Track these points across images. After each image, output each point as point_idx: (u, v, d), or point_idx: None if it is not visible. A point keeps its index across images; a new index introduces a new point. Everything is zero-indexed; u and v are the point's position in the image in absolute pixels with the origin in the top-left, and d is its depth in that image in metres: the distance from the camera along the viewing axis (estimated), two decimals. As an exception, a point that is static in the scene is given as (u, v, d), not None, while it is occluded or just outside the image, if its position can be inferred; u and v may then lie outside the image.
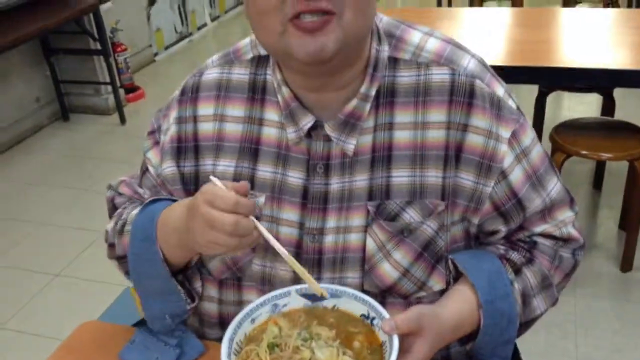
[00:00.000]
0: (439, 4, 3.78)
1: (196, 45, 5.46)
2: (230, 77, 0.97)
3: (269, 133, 0.95)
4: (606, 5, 3.86)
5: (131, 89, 4.28)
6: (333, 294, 0.86)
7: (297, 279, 0.91)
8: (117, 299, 2.40)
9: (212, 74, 0.99)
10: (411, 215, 0.91)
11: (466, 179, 0.90)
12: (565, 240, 1.00)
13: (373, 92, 0.90)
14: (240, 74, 0.97)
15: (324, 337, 0.80)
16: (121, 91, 4.07)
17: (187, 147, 0.99)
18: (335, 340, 0.80)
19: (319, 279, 0.93)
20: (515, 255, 0.98)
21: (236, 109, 0.96)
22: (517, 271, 0.96)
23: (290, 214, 0.94)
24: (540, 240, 0.99)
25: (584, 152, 2.29)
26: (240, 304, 1.01)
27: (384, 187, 0.91)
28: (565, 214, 1.00)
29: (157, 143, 1.03)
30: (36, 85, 3.94)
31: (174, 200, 0.96)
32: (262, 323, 0.85)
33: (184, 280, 1.00)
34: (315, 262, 0.94)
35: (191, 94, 0.99)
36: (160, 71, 4.87)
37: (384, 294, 0.94)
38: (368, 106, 0.90)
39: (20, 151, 3.72)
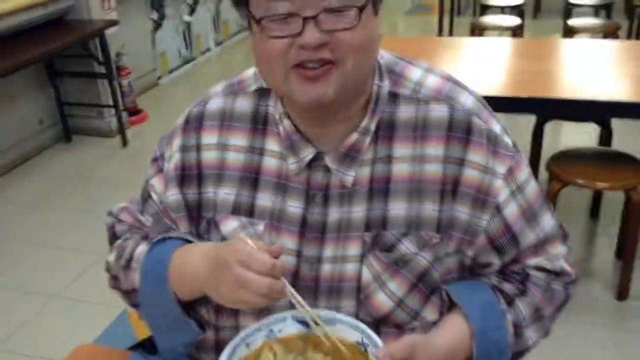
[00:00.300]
0: (440, 34, 3.83)
1: (200, 69, 5.53)
2: (233, 108, 1.00)
3: (270, 163, 0.97)
4: (606, 37, 3.92)
5: (134, 111, 4.32)
6: (329, 322, 0.88)
7: (293, 307, 0.93)
8: (114, 321, 2.41)
9: (216, 104, 1.01)
10: (407, 246, 0.93)
11: (462, 212, 0.92)
12: (558, 273, 1.02)
13: (373, 127, 0.93)
14: (244, 105, 1.00)
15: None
16: (124, 114, 4.11)
17: (190, 175, 1.01)
18: None
19: (314, 307, 0.94)
20: (508, 287, 0.99)
21: (239, 139, 0.99)
22: (510, 302, 0.97)
23: (288, 242, 0.96)
24: (532, 272, 1.01)
25: (580, 181, 2.30)
26: (237, 330, 1.01)
27: (381, 218, 0.93)
28: (558, 249, 1.02)
29: (160, 170, 1.05)
30: (40, 107, 3.98)
31: (185, 240, 0.98)
32: (257, 348, 0.87)
33: (190, 309, 1.01)
34: (312, 290, 0.95)
35: (195, 123, 1.01)
36: (164, 94, 4.92)
37: (378, 324, 0.96)
38: (368, 139, 0.93)
39: (22, 172, 3.75)
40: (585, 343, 2.21)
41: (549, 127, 2.94)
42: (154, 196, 1.05)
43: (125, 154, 3.94)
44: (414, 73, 0.97)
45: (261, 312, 0.98)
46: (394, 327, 0.96)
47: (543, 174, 2.56)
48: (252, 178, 0.97)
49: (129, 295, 1.04)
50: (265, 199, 0.97)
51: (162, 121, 4.25)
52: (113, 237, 1.11)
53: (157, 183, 1.05)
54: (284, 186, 0.96)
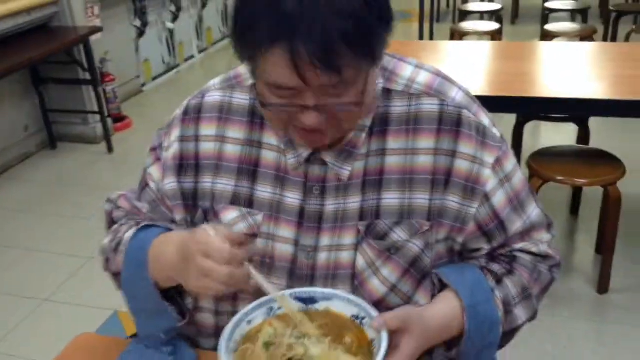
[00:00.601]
0: (421, 38, 3.90)
1: (183, 77, 5.55)
2: (231, 101, 1.03)
3: (268, 156, 1.00)
4: (582, 40, 4.02)
5: (119, 118, 4.34)
6: (325, 297, 0.92)
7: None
8: (106, 322, 2.43)
9: (214, 97, 1.05)
10: (399, 234, 0.97)
11: (453, 201, 0.97)
12: (543, 257, 1.06)
13: (369, 123, 0.97)
14: (241, 99, 1.03)
15: (317, 335, 0.86)
16: (109, 120, 4.13)
17: (188, 165, 1.04)
18: (327, 337, 0.85)
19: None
20: (496, 267, 1.03)
21: (236, 132, 1.02)
22: (498, 281, 1.01)
23: (286, 231, 1.00)
24: (519, 254, 1.05)
25: (559, 177, 2.37)
26: (235, 315, 1.06)
27: (375, 208, 0.97)
28: (543, 236, 1.06)
29: (158, 159, 1.08)
30: (25, 114, 3.99)
31: (166, 229, 1.01)
32: (257, 325, 0.90)
33: (176, 295, 1.04)
34: (309, 277, 0.99)
35: (194, 114, 1.05)
36: (147, 101, 4.94)
37: (374, 307, 1.00)
38: (364, 135, 0.97)
39: (7, 179, 3.75)
40: (569, 334, 2.28)
41: (528, 127, 3.02)
42: (152, 184, 1.09)
43: (110, 159, 3.95)
44: (406, 70, 1.01)
45: (259, 298, 1.01)
46: (387, 311, 1.01)
47: (523, 171, 2.62)
48: (251, 170, 1.01)
49: (117, 277, 1.07)
50: (264, 191, 1.00)
51: (146, 127, 4.27)
52: (111, 222, 1.14)
53: (154, 172, 1.08)
54: (283, 179, 1.00)
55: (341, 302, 0.92)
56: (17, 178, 3.76)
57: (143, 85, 5.11)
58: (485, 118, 1.00)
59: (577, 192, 3.01)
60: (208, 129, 1.04)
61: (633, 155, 3.17)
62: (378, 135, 0.98)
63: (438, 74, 1.02)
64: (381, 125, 0.98)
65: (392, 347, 0.85)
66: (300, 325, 0.89)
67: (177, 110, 1.09)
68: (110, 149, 4.01)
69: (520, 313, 1.03)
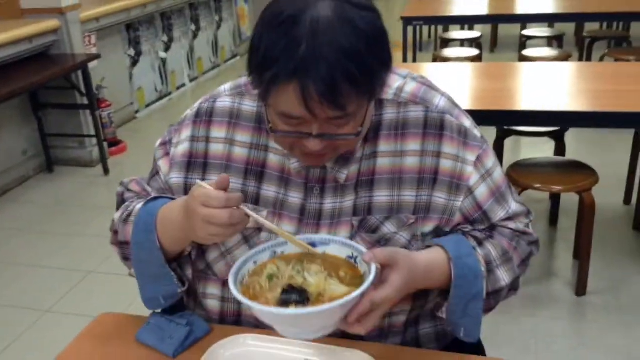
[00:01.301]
0: (405, 60, 4.09)
1: (175, 104, 5.71)
2: (240, 107, 1.14)
3: (274, 159, 1.12)
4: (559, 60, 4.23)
5: (114, 142, 4.46)
6: (323, 243, 1.02)
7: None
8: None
9: (225, 102, 1.16)
10: (388, 227, 1.09)
11: (440, 197, 1.09)
12: (521, 232, 1.16)
13: (365, 131, 1.06)
14: (250, 106, 1.14)
15: (314, 269, 0.96)
16: (105, 144, 4.24)
17: (196, 163, 1.15)
18: (324, 271, 0.96)
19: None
20: (476, 233, 1.13)
21: (245, 136, 1.13)
22: (479, 243, 1.10)
23: (288, 226, 1.11)
24: (499, 225, 1.14)
25: (537, 185, 2.52)
26: (240, 303, 1.15)
27: (367, 205, 1.09)
28: (523, 221, 1.17)
29: (167, 154, 1.18)
30: (24, 138, 4.10)
31: (171, 198, 1.12)
32: (262, 264, 1.00)
33: (177, 267, 1.14)
34: None
35: (205, 117, 1.16)
36: (141, 127, 5.08)
37: None
38: (360, 142, 1.08)
39: (7, 200, 3.85)
40: (550, 334, 2.40)
41: (508, 143, 3.18)
42: (161, 174, 1.20)
43: (106, 181, 4.06)
44: (396, 81, 1.12)
45: None
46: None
47: (504, 182, 2.78)
48: (258, 171, 1.12)
49: (123, 246, 1.16)
50: (269, 190, 1.12)
51: (140, 152, 4.40)
52: (121, 202, 1.23)
53: (163, 164, 1.18)
54: (287, 180, 1.11)
55: (337, 246, 1.01)
56: (16, 200, 3.86)
57: (137, 111, 5.25)
58: (466, 120, 1.12)
59: (555, 204, 3.17)
60: (218, 132, 1.14)
61: (606, 166, 3.35)
62: (371, 141, 1.09)
63: (424, 83, 1.15)
64: (374, 132, 1.09)
65: (381, 281, 0.93)
66: (301, 259, 0.99)
67: (188, 110, 1.20)
68: (106, 171, 4.12)
69: (502, 275, 1.10)
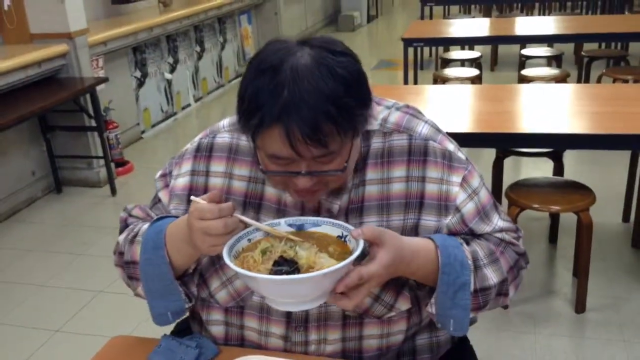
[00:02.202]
0: (406, 82, 4.16)
1: (181, 124, 5.79)
2: (239, 143, 1.20)
3: (271, 191, 1.17)
4: (557, 83, 4.30)
5: (121, 163, 4.54)
6: (315, 224, 1.09)
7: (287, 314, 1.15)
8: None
9: (224, 138, 1.22)
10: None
11: (430, 220, 1.14)
12: (508, 242, 1.19)
13: (352, 166, 1.10)
14: (247, 141, 1.18)
15: (306, 245, 1.03)
16: (112, 165, 4.31)
17: (197, 195, 1.17)
18: (314, 247, 1.02)
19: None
20: (464, 236, 1.16)
21: (243, 170, 1.19)
22: (467, 242, 1.13)
23: None
24: (487, 233, 1.18)
25: (535, 205, 2.58)
26: (242, 328, 1.22)
27: None
28: (510, 234, 1.21)
29: (167, 185, 1.24)
30: (32, 159, 4.18)
31: (177, 217, 1.18)
32: (256, 241, 1.06)
33: (182, 285, 1.18)
34: None
35: (206, 152, 1.22)
36: (147, 147, 5.15)
37: (362, 316, 1.17)
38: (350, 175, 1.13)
39: (16, 221, 3.91)
40: (550, 350, 2.44)
41: (508, 163, 3.24)
42: (161, 204, 1.26)
43: (113, 202, 4.13)
44: (381, 112, 1.18)
45: (262, 313, 1.18)
46: (374, 318, 1.17)
47: (503, 202, 2.84)
48: (256, 203, 1.18)
49: (128, 266, 1.20)
50: (267, 221, 1.16)
51: (147, 172, 4.48)
52: (125, 227, 1.27)
53: (163, 196, 1.24)
54: (283, 211, 1.16)
55: (328, 226, 1.07)
56: (25, 220, 3.93)
57: (143, 132, 5.33)
58: (449, 144, 1.17)
59: (554, 222, 3.22)
60: (218, 166, 1.20)
61: (604, 184, 3.42)
62: (360, 170, 1.14)
63: (407, 112, 1.21)
64: (362, 161, 1.14)
65: (369, 258, 0.99)
66: (293, 238, 1.06)
67: (188, 145, 1.26)
68: (113, 191, 4.20)
69: (489, 273, 1.12)
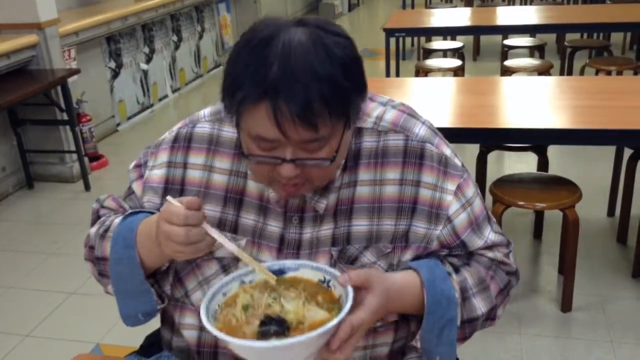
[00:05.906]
0: (388, 75, 4.09)
1: (157, 116, 5.67)
2: (220, 134, 1.12)
3: (253, 187, 1.10)
4: (540, 74, 4.25)
5: (95, 157, 4.42)
6: (293, 268, 1.01)
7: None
8: (88, 354, 2.47)
9: (204, 128, 1.14)
10: (367, 257, 1.07)
11: (419, 226, 1.08)
12: (500, 262, 1.16)
13: (341, 160, 1.07)
14: (229, 132, 1.12)
15: (291, 296, 0.94)
16: (85, 159, 4.20)
17: (173, 189, 1.13)
18: (301, 297, 0.94)
19: None
20: (453, 259, 1.11)
21: (224, 162, 1.11)
22: (456, 270, 1.09)
23: (267, 256, 1.09)
24: (477, 253, 1.13)
25: (520, 202, 2.52)
26: (210, 289, 1.14)
27: (346, 234, 1.07)
28: (502, 251, 1.16)
29: (141, 176, 1.16)
30: (2, 154, 4.04)
31: (151, 213, 1.10)
32: (233, 294, 0.97)
33: (154, 283, 1.12)
34: None
35: (184, 143, 1.14)
36: (122, 140, 5.03)
37: None
38: (339, 171, 1.08)
39: (-15, 219, 3.79)
40: (535, 350, 2.40)
41: (491, 157, 3.19)
42: (136, 195, 1.18)
43: (87, 197, 4.01)
44: (375, 109, 1.12)
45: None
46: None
47: (487, 198, 2.78)
48: (237, 199, 1.11)
49: (99, 262, 1.13)
50: (248, 218, 1.10)
51: (122, 166, 4.35)
52: (97, 219, 1.20)
53: (136, 187, 1.17)
54: (265, 208, 1.10)
55: (308, 270, 1.00)
56: (-5, 218, 3.80)
57: (118, 124, 5.21)
58: (446, 149, 1.11)
59: (539, 218, 3.17)
60: (196, 158, 1.12)
61: (589, 178, 3.38)
62: (351, 169, 1.08)
63: (404, 111, 1.13)
64: (354, 160, 1.08)
65: (356, 303, 0.92)
66: (275, 288, 0.97)
67: (166, 133, 1.17)
68: (87, 187, 4.08)
69: (478, 304, 1.09)
